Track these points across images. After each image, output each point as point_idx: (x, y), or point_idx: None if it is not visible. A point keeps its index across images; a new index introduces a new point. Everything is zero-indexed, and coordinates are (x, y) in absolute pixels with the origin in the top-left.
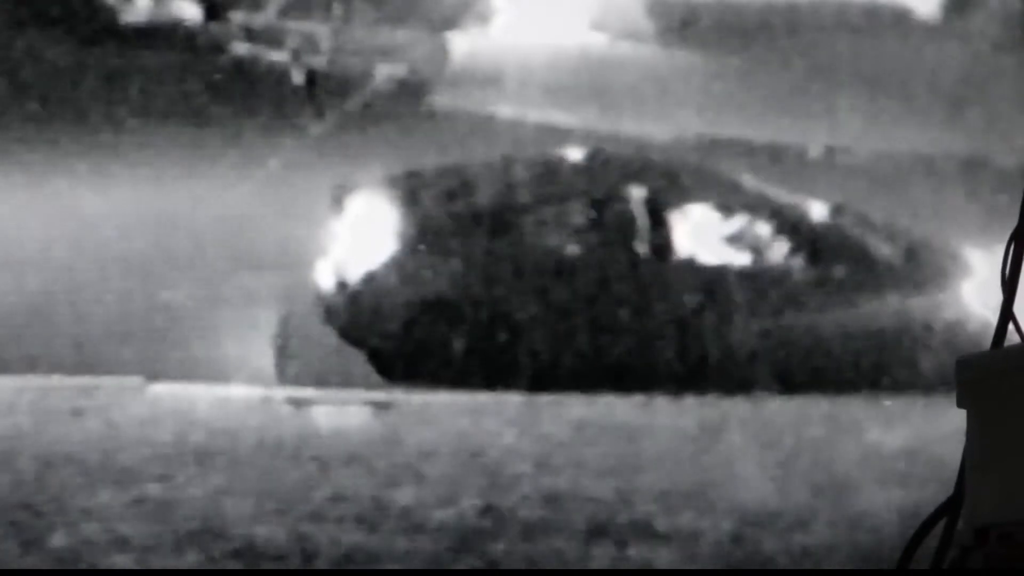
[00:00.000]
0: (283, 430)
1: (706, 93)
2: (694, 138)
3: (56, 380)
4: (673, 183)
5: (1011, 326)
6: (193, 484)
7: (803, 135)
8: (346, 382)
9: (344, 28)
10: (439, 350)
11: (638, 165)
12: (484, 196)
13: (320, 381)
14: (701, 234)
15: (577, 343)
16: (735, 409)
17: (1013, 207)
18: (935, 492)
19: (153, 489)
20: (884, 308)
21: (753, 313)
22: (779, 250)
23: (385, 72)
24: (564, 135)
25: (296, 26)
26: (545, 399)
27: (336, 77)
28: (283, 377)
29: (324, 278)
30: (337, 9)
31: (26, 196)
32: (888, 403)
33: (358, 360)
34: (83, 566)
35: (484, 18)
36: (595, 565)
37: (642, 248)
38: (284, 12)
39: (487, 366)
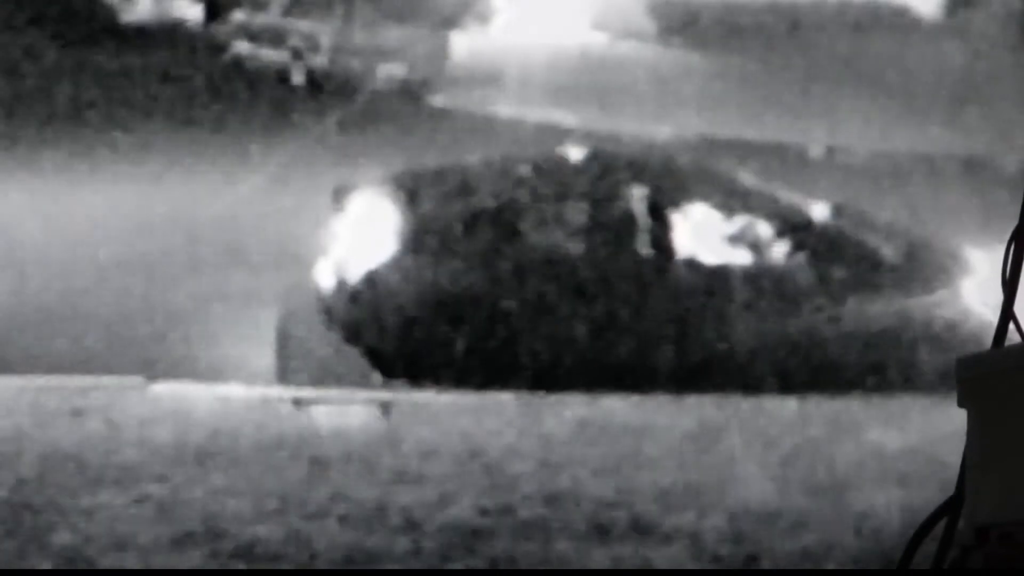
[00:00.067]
0: (283, 430)
1: (706, 93)
2: (694, 138)
3: (56, 380)
4: (673, 183)
5: (1011, 326)
6: (193, 484)
7: (803, 135)
8: (346, 382)
9: (345, 28)
10: (439, 350)
11: (638, 165)
12: (484, 196)
13: (320, 381)
14: (701, 234)
15: (577, 343)
16: (735, 409)
17: (1013, 207)
18: (935, 492)
19: (153, 489)
20: (884, 308)
21: (753, 313)
22: (779, 250)
23: (385, 72)
24: (564, 135)
25: (297, 26)
26: (545, 399)
27: (336, 77)
28: (283, 377)
29: (324, 278)
30: (338, 9)
31: (26, 196)
32: (888, 403)
33: (358, 360)
34: (83, 566)
35: (484, 18)
36: (595, 565)
37: (642, 248)
38: (285, 12)
39: (487, 366)
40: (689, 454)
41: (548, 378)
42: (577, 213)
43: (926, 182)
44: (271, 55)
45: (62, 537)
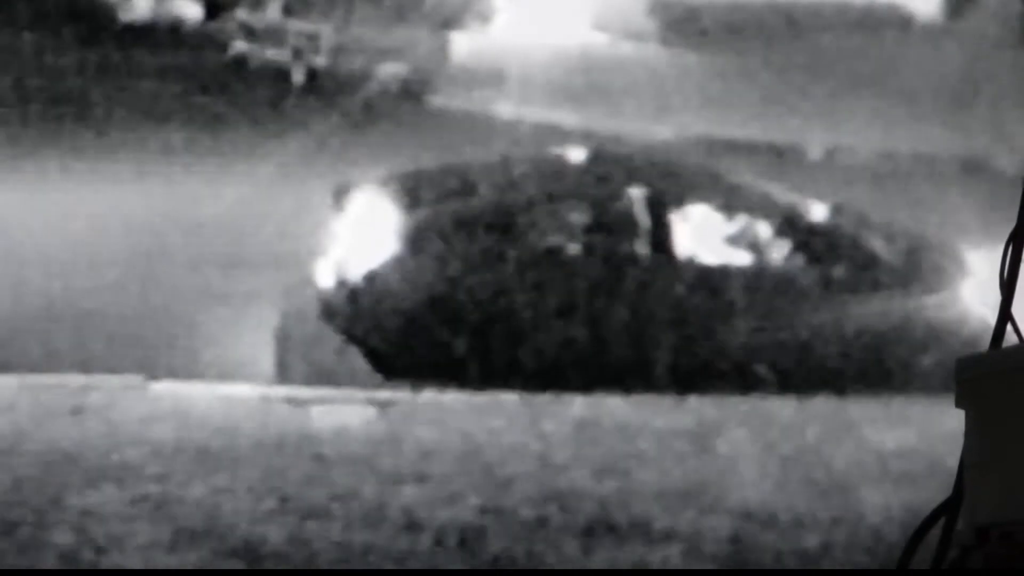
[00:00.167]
0: (283, 429)
1: (706, 93)
2: (694, 138)
3: (56, 379)
4: (673, 183)
5: (1009, 326)
6: (193, 483)
7: (803, 135)
8: (346, 381)
9: (345, 27)
10: (439, 350)
11: (638, 165)
12: (484, 196)
13: (320, 380)
14: (701, 234)
15: (577, 343)
16: (735, 409)
17: (1012, 207)
18: (934, 492)
19: (153, 488)
20: (884, 308)
21: (753, 313)
22: (779, 250)
23: (385, 72)
24: (564, 135)
25: (297, 25)
26: (545, 399)
27: (336, 76)
28: (283, 376)
29: (324, 277)
30: (338, 8)
31: (26, 196)
32: (887, 403)
33: (358, 359)
34: (83, 565)
35: (485, 17)
36: (595, 564)
37: (642, 248)
38: (285, 11)
39: (487, 366)
40: (689, 454)
41: (548, 378)
42: (577, 213)
43: (926, 182)
44: (271, 54)
45: (62, 536)
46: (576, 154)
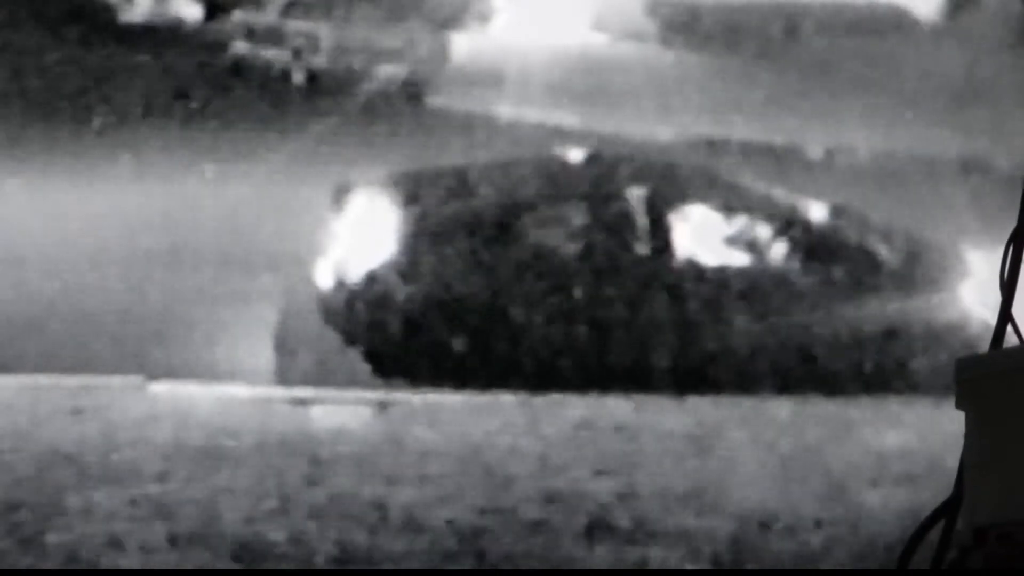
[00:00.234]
0: (283, 430)
1: (706, 94)
2: (694, 138)
3: (56, 380)
4: (673, 183)
5: (1010, 327)
6: (193, 483)
7: (803, 135)
8: (346, 382)
9: (345, 28)
10: (439, 350)
11: (638, 165)
12: (484, 196)
13: (320, 381)
14: (701, 234)
15: (577, 343)
16: (735, 409)
17: (1013, 207)
18: (934, 492)
19: (152, 488)
20: (884, 308)
21: (753, 313)
22: (779, 251)
23: (385, 72)
24: (564, 135)
25: (297, 25)
26: (545, 399)
27: (336, 77)
28: (282, 377)
29: (324, 277)
30: (338, 8)
31: (26, 196)
32: (887, 404)
33: (358, 360)
34: (82, 566)
35: (484, 18)
36: (595, 565)
37: (642, 248)
38: (284, 11)
39: (487, 366)
40: (688, 454)
41: (548, 378)
42: (577, 214)
43: (926, 183)
44: (271, 55)
45: (61, 536)
46: (575, 154)
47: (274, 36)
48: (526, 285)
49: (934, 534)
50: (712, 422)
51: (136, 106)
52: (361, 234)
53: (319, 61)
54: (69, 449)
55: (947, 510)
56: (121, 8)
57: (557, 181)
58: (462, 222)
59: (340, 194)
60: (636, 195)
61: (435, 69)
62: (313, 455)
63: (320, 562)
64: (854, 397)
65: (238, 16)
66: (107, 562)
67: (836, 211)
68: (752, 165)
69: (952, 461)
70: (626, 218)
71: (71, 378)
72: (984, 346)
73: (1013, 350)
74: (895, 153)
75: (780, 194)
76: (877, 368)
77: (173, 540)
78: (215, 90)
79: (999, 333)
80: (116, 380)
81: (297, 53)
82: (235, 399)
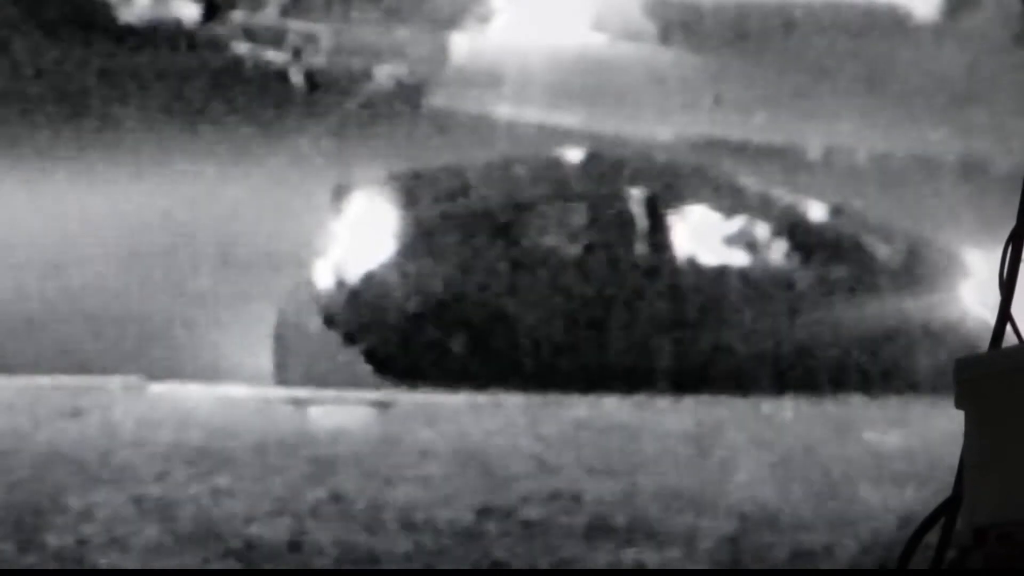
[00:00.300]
0: (282, 430)
1: (706, 93)
2: (694, 138)
3: (56, 380)
4: (673, 183)
5: (1009, 327)
6: (192, 483)
7: (803, 135)
8: (345, 382)
9: (344, 28)
10: (438, 350)
11: (638, 165)
12: (484, 196)
13: (319, 381)
14: (701, 234)
15: (577, 343)
16: (735, 409)
17: (1012, 207)
18: (934, 492)
19: (152, 488)
20: (883, 308)
21: (752, 313)
22: (778, 250)
23: (385, 72)
24: (564, 135)
25: (296, 26)
26: (545, 399)
27: (336, 77)
28: (282, 377)
29: (323, 278)
30: (337, 9)
31: (26, 196)
32: (886, 403)
33: (358, 360)
34: (82, 566)
35: (484, 18)
36: (595, 565)
37: (641, 248)
38: (283, 11)
39: (487, 366)
40: (688, 454)
41: (548, 378)
42: (576, 214)
43: (926, 182)
44: (270, 55)
45: (60, 537)
46: (575, 155)
47: (273, 36)
48: (525, 285)
49: (934, 534)
50: (712, 422)
51: (135, 106)
52: (361, 234)
53: (319, 61)
54: (69, 450)
55: (947, 510)
56: (120, 8)
57: (557, 181)
58: (462, 222)
59: (340, 194)
60: (636, 195)
61: (435, 69)
62: (313, 455)
63: (320, 562)
64: (853, 396)
65: (237, 16)
66: (107, 562)
67: (835, 211)
68: (751, 165)
69: (952, 461)
70: (625, 218)
71: (71, 378)
72: (984, 346)
73: (1012, 350)
74: (894, 153)
75: (779, 194)
76: (876, 367)
77: (172, 540)
78: (214, 90)
79: (998, 333)
80: (116, 380)
81: (296, 53)
82: (235, 399)
